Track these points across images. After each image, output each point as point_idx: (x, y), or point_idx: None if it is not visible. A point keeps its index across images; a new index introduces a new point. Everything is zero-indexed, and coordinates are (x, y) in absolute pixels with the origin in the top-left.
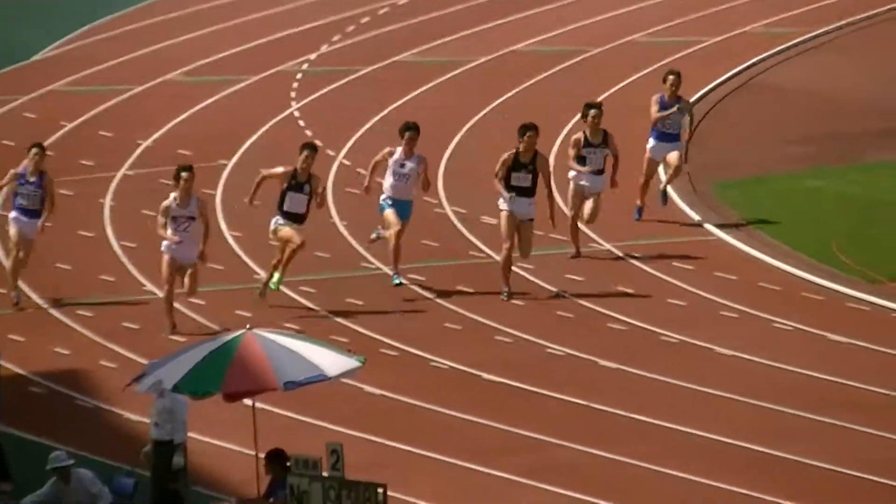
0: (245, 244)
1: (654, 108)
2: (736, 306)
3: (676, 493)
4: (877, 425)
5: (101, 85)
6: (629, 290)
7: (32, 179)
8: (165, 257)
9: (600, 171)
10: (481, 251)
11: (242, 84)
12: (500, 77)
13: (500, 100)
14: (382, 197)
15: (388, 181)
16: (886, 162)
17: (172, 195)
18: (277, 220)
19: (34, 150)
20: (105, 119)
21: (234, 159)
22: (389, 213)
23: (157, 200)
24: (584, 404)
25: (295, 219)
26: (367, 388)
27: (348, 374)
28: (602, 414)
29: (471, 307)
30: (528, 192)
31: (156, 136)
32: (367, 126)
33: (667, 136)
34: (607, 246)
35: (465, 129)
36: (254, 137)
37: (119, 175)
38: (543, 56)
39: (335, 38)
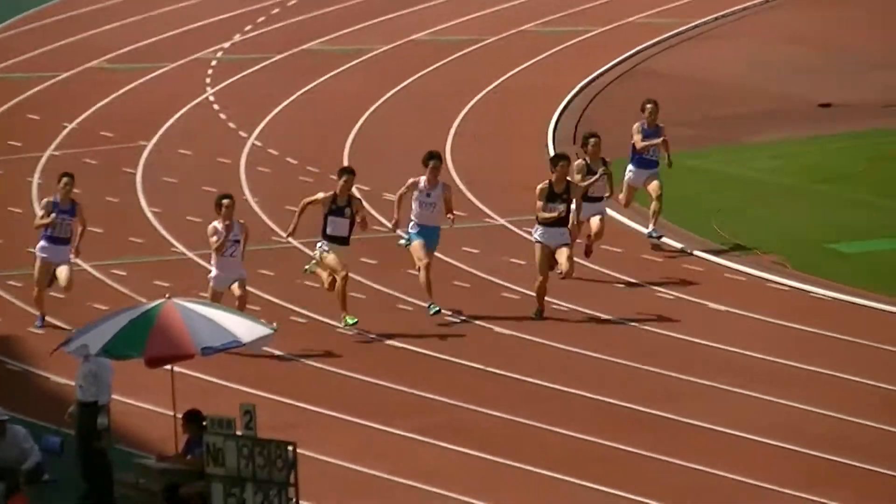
0: (163, 219)
1: (637, 137)
2: (622, 277)
3: (567, 448)
4: (753, 388)
5: (29, 72)
6: (521, 262)
7: (65, 208)
8: (214, 281)
9: (599, 199)
10: (384, 225)
11: (160, 71)
12: (401, 64)
13: (401, 85)
14: (410, 224)
15: (415, 209)
16: (761, 143)
17: (215, 223)
18: (322, 245)
19: (64, 180)
20: (32, 104)
21: (153, 140)
22: (417, 247)
23: (82, 179)
24: (481, 368)
25: (339, 241)
26: (279, 353)
27: (262, 340)
28: (499, 377)
29: (374, 278)
30: (562, 222)
31: (80, 118)
32: (278, 109)
33: (646, 163)
34: (501, 221)
35: (367, 113)
36: (171, 120)
37: (46, 155)
38: (441, 45)
39: (247, 28)
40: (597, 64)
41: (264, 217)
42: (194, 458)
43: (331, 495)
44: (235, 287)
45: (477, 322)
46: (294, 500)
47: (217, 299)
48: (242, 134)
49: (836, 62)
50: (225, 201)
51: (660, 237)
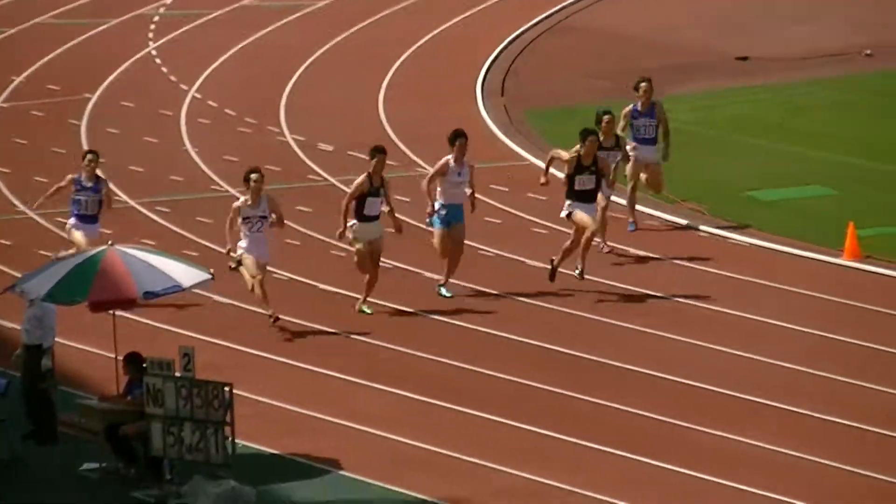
0: (106, 169)
1: (622, 123)
2: (545, 223)
3: (490, 388)
4: (653, 325)
5: None
6: None
7: (89, 185)
8: (249, 258)
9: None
10: (318, 174)
11: (105, 26)
12: (337, 19)
13: (337, 39)
14: (437, 205)
15: (444, 189)
16: (682, 95)
17: (243, 198)
18: (355, 225)
19: (89, 157)
20: None
21: (98, 93)
22: (438, 238)
23: (29, 130)
24: (409, 311)
25: (373, 219)
26: (217, 298)
27: (200, 284)
28: (425, 319)
29: (308, 225)
30: (592, 195)
31: (27, 72)
32: (217, 63)
33: (645, 140)
34: (431, 170)
35: (304, 66)
36: (115, 74)
37: None
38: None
39: None
40: (524, 19)
41: (203, 167)
42: (135, 399)
43: (265, 434)
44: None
45: (404, 266)
46: (230, 438)
47: (254, 267)
48: (183, 87)
49: (754, 16)
50: (253, 176)
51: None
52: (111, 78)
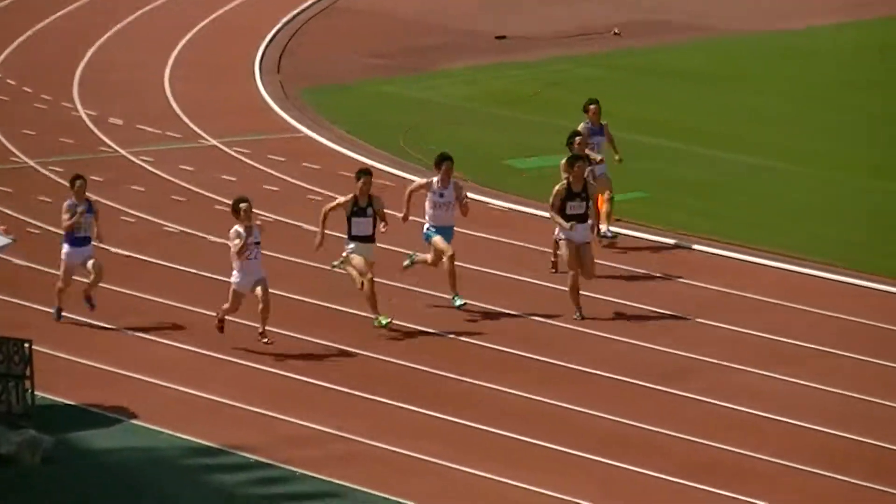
0: None
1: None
2: (320, 190)
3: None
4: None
5: None
6: (232, 179)
7: (81, 209)
8: (236, 285)
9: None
10: (109, 146)
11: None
12: (122, 3)
13: (126, 21)
14: (426, 226)
15: (429, 211)
16: (447, 71)
17: (236, 227)
18: (349, 246)
19: (78, 182)
20: None
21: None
22: (439, 240)
23: None
24: (191, 271)
25: (365, 240)
26: (15, 261)
27: (1, 248)
28: (200, 278)
29: (98, 193)
30: (583, 218)
31: None
32: (16, 44)
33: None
34: (213, 141)
35: (95, 46)
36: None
37: None
38: None
39: None
40: (299, 1)
41: (3, 140)
42: None
43: (62, 386)
44: (259, 290)
45: (192, 232)
46: (29, 390)
47: (238, 301)
48: None
49: None
50: (243, 205)
51: (615, 236)
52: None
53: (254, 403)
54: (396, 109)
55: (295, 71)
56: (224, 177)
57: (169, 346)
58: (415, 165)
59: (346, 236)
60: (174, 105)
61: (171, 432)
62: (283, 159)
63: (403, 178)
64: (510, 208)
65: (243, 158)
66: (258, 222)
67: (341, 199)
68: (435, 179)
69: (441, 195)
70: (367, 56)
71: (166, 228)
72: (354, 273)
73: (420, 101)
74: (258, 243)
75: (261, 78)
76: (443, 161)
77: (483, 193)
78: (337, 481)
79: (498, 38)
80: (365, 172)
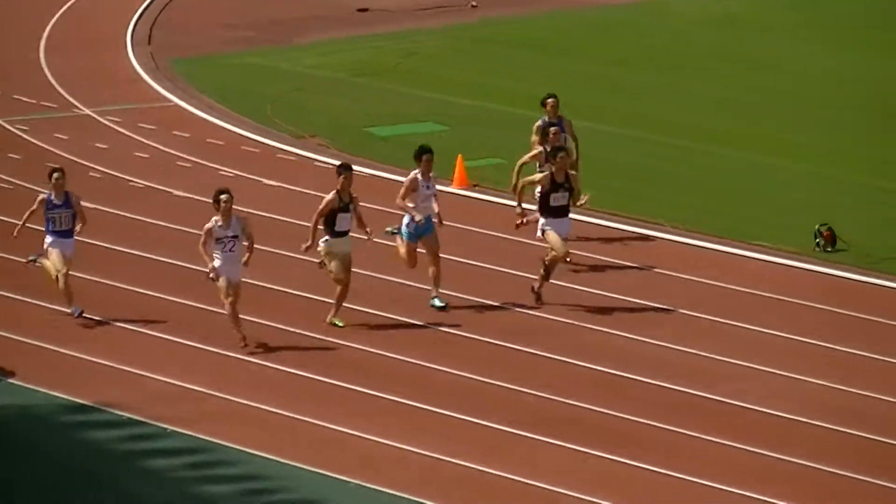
0: None
1: (535, 138)
2: (189, 157)
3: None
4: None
5: None
6: (105, 146)
7: (59, 202)
8: (222, 279)
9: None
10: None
11: None
12: None
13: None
14: (407, 219)
15: (417, 203)
16: (310, 43)
17: (214, 218)
18: (328, 240)
19: (55, 175)
20: None
21: None
22: (412, 250)
23: None
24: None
25: (344, 234)
26: None
27: None
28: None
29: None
30: (565, 211)
31: None
32: None
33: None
34: (87, 111)
35: None
36: None
37: None
38: None
39: None
40: None
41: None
42: None
43: None
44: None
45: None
46: None
47: (229, 289)
48: None
49: None
50: (223, 197)
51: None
52: None
53: (125, 363)
54: (263, 80)
55: (165, 42)
56: (97, 145)
57: (36, 306)
58: (281, 134)
59: (325, 233)
60: (49, 76)
61: (46, 391)
62: (153, 128)
63: (270, 145)
64: (372, 174)
65: (116, 127)
66: (241, 215)
67: (326, 198)
68: (418, 174)
69: (427, 187)
70: (235, 28)
71: (42, 196)
72: (335, 272)
73: (286, 72)
74: (236, 237)
75: (132, 49)
76: (423, 153)
77: (344, 159)
78: (209, 438)
79: (360, 10)
80: (346, 168)
